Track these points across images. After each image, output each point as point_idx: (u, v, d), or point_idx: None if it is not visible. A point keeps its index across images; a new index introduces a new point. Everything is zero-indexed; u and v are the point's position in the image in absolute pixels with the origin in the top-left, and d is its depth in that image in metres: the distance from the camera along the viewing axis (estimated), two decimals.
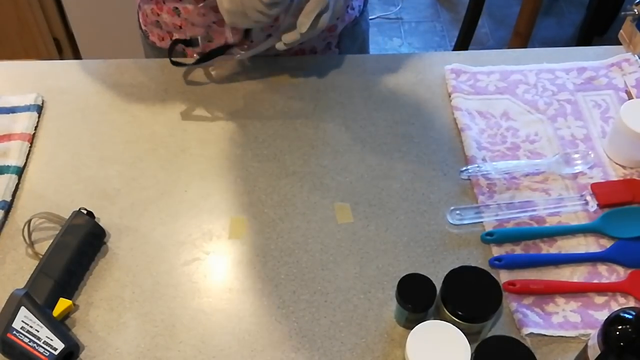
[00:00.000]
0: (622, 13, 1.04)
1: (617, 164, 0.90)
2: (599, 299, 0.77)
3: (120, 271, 0.80)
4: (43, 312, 0.73)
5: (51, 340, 0.71)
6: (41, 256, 0.78)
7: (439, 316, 0.73)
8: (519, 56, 1.05)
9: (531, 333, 0.73)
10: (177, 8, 0.98)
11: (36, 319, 0.72)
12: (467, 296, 0.70)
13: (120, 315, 0.76)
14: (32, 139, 0.94)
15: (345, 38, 1.09)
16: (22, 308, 0.72)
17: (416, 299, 0.71)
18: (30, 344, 0.70)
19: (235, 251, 0.82)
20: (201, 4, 0.95)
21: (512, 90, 0.99)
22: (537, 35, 2.52)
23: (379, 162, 0.91)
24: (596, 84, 1.00)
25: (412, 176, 0.90)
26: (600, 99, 0.98)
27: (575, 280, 0.78)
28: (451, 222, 0.84)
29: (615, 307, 0.76)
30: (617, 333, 0.62)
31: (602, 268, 0.80)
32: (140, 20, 1.09)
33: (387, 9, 2.70)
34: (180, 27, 1.01)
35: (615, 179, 0.88)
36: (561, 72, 1.01)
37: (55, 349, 0.70)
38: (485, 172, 0.88)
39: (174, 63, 1.00)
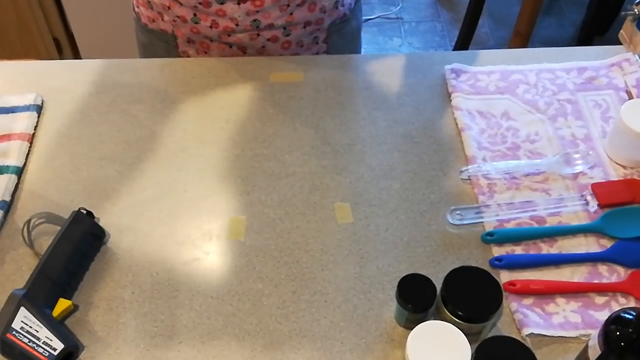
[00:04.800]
0: (623, 13, 1.04)
1: (617, 163, 0.90)
2: (600, 299, 0.77)
3: (120, 271, 0.80)
4: (42, 312, 0.73)
5: (51, 340, 0.71)
6: (41, 256, 0.78)
7: (439, 316, 0.73)
8: (519, 56, 1.05)
9: (531, 333, 0.73)
10: None
11: (36, 319, 0.72)
12: (468, 296, 0.70)
13: (120, 316, 0.76)
14: (31, 139, 0.94)
15: (334, 35, 1.09)
16: (22, 308, 0.72)
17: (416, 299, 0.71)
18: (30, 344, 0.70)
19: (235, 251, 0.82)
20: None
21: (513, 90, 0.99)
22: (538, 35, 2.52)
23: (379, 162, 0.91)
24: (596, 84, 1.00)
25: (412, 176, 0.89)
26: (601, 99, 0.98)
27: (575, 280, 0.78)
28: (451, 222, 0.84)
29: (615, 308, 0.76)
30: (618, 333, 0.62)
31: (603, 268, 0.80)
32: (133, 2, 1.11)
33: (387, 9, 2.70)
34: (169, 8, 1.02)
35: (616, 178, 0.88)
36: (561, 72, 1.01)
37: (55, 349, 0.70)
38: (485, 172, 0.88)
39: None
